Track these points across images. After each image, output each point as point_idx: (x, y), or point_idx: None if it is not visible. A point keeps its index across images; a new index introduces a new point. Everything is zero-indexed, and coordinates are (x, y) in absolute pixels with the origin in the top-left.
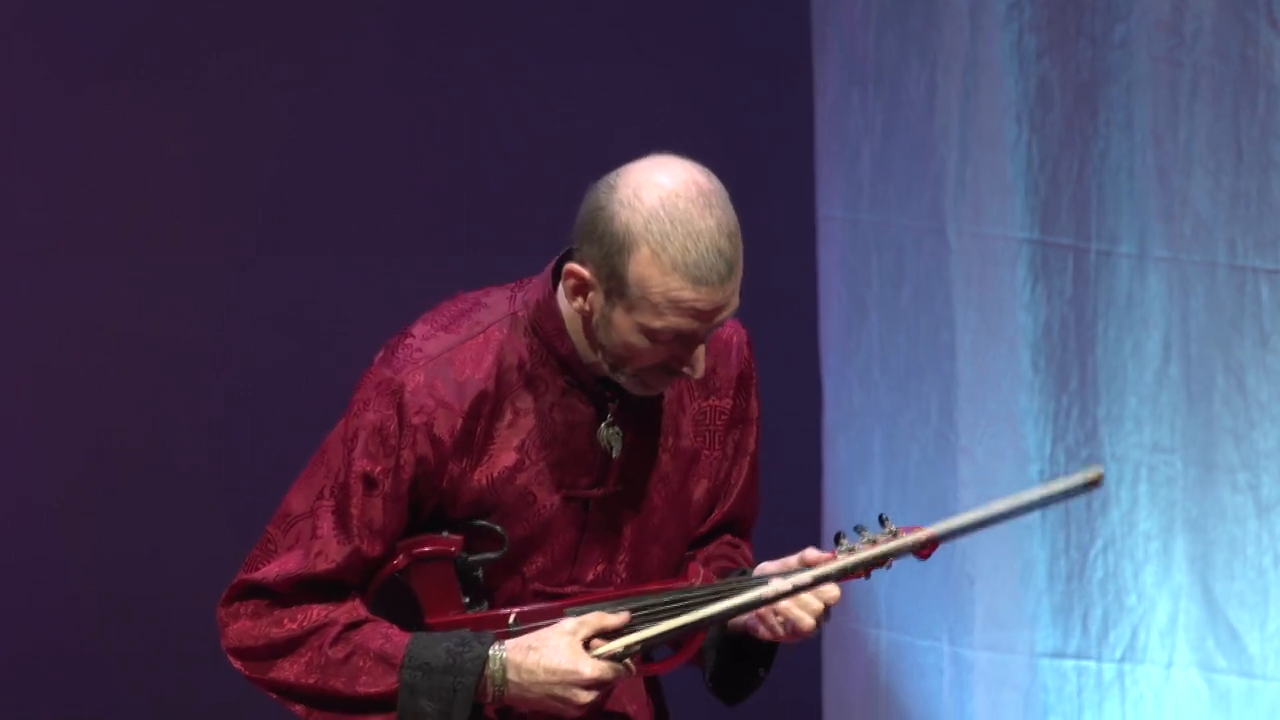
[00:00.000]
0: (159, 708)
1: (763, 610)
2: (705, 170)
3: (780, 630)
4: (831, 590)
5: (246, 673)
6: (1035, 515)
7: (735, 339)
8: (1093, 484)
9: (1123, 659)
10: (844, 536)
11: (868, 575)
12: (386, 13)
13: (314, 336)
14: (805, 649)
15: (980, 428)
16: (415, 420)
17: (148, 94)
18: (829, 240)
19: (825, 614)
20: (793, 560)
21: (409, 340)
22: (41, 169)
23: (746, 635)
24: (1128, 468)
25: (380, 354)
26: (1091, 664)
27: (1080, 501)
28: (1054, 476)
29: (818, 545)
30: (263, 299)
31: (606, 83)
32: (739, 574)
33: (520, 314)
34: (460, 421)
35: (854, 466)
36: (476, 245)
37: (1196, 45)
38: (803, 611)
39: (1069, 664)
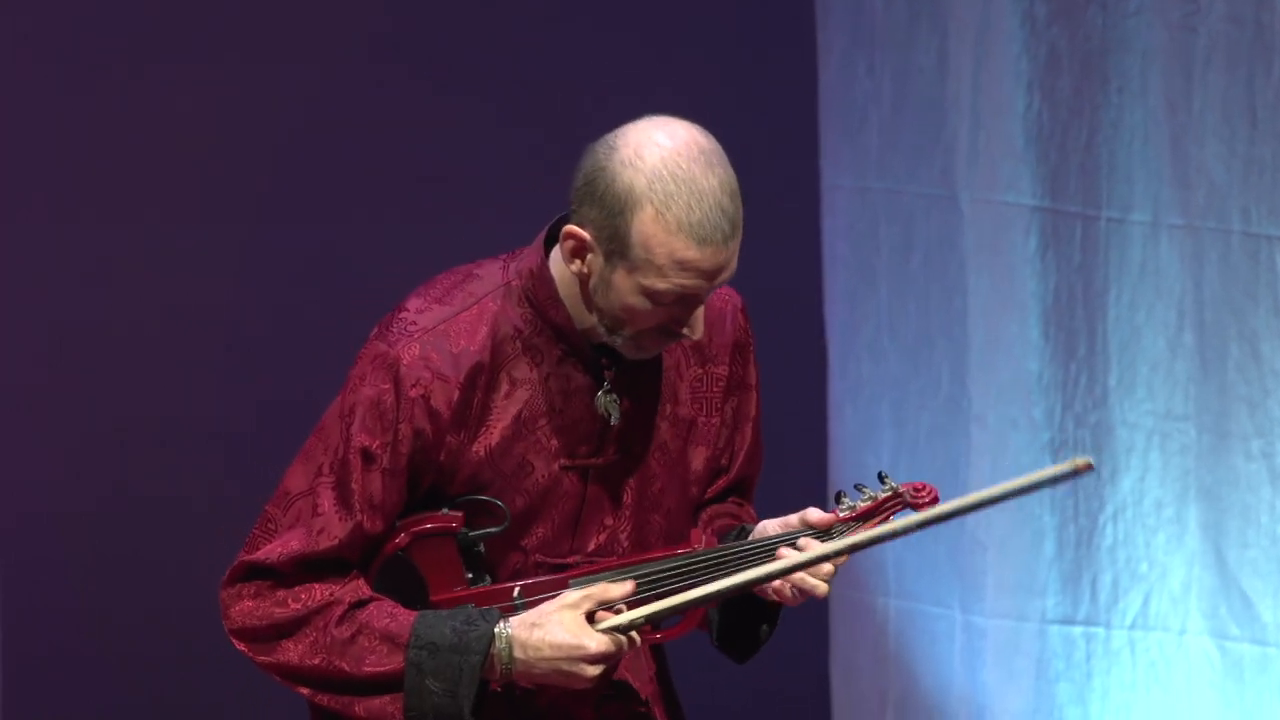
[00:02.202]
0: (160, 707)
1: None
2: (703, 129)
3: (789, 594)
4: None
5: (250, 654)
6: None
7: (729, 306)
8: (1081, 470)
9: (1133, 626)
10: (845, 495)
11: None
12: (391, 7)
13: (321, 342)
14: (812, 619)
15: (992, 395)
16: (412, 393)
17: (147, 92)
18: (834, 209)
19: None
20: (794, 520)
21: (403, 314)
22: (43, 166)
23: (750, 594)
24: (1140, 435)
25: (375, 330)
26: (1100, 631)
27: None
28: (1063, 444)
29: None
30: (271, 300)
31: (608, 50)
32: (738, 533)
33: (514, 283)
34: (457, 393)
35: (862, 436)
36: (491, 242)
37: (1211, 12)
38: (814, 579)
39: (1078, 631)
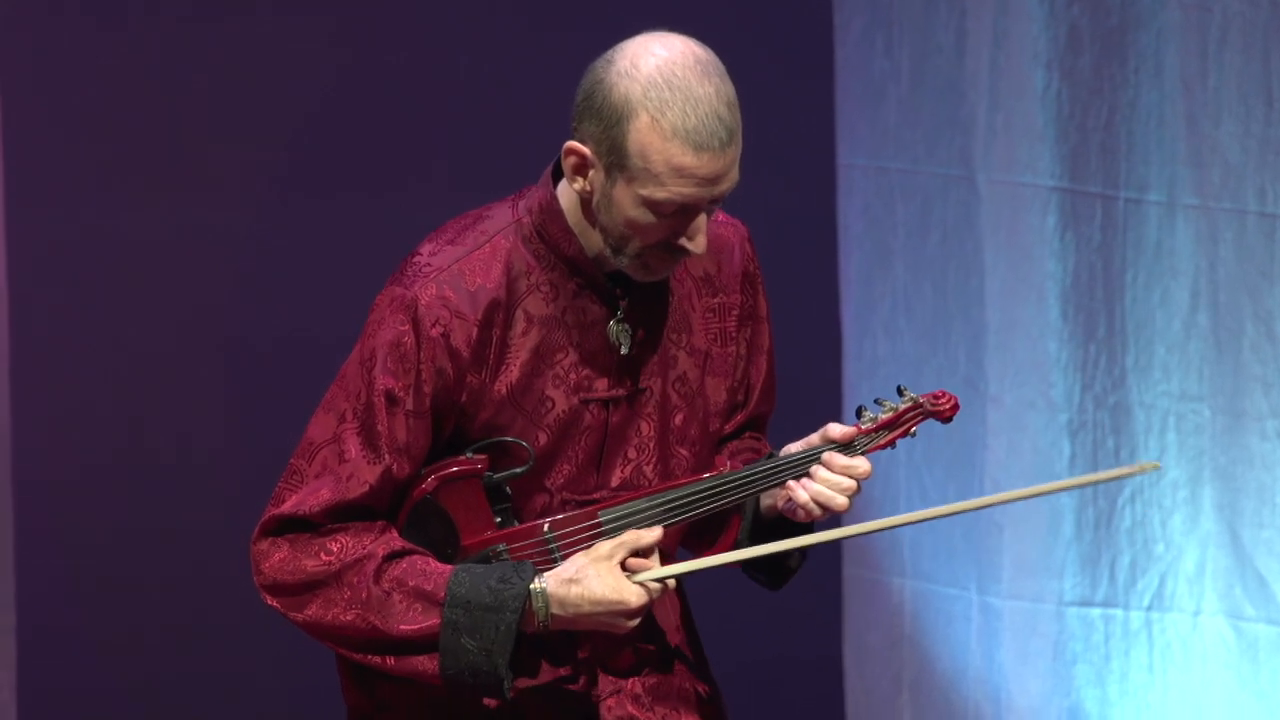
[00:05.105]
0: (166, 696)
1: (794, 492)
2: (701, 43)
3: (816, 511)
4: (862, 465)
5: (282, 610)
6: (1063, 464)
7: (735, 236)
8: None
9: (1150, 607)
10: (865, 409)
11: (893, 445)
12: None
13: (330, 335)
14: (825, 599)
15: (1009, 376)
16: (433, 332)
17: (147, 82)
18: (850, 188)
19: (857, 490)
20: (815, 438)
21: (416, 258)
22: (48, 157)
23: (780, 519)
24: (1156, 416)
25: (390, 278)
26: (1119, 612)
27: (1108, 450)
28: (1082, 425)
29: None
30: (279, 291)
31: (625, 31)
32: (767, 458)
33: (524, 220)
34: (476, 331)
35: None
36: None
37: None
38: (835, 491)
39: (1096, 612)
